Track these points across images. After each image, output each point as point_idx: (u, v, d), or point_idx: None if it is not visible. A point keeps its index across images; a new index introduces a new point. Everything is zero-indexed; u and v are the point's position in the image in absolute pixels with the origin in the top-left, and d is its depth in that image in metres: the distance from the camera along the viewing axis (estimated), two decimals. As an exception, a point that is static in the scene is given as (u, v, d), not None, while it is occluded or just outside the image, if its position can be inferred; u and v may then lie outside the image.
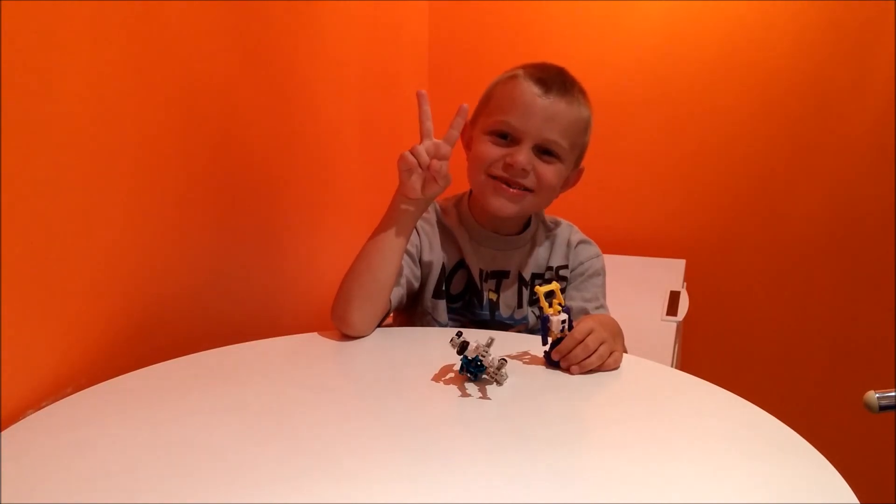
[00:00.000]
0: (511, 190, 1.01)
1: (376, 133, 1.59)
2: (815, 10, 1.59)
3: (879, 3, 1.55)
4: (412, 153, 0.93)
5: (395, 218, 0.97)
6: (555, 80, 1.01)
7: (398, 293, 1.00)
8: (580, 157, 1.07)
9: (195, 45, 1.01)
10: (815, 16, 1.59)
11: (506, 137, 1.01)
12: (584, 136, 1.05)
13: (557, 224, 1.14)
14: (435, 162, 0.93)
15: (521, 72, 1.03)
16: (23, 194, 0.75)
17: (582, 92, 1.04)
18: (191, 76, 1.00)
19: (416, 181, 0.94)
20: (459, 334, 0.83)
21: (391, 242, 0.96)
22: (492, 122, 1.01)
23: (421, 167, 0.93)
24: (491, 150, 1.01)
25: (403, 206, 0.97)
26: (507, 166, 1.00)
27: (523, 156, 0.99)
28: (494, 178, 1.02)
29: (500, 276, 1.08)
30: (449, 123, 0.95)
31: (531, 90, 1.00)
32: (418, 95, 0.94)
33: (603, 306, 1.09)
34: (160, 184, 0.96)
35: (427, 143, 0.94)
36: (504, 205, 1.03)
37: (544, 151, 1.01)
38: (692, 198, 1.75)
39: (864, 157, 1.62)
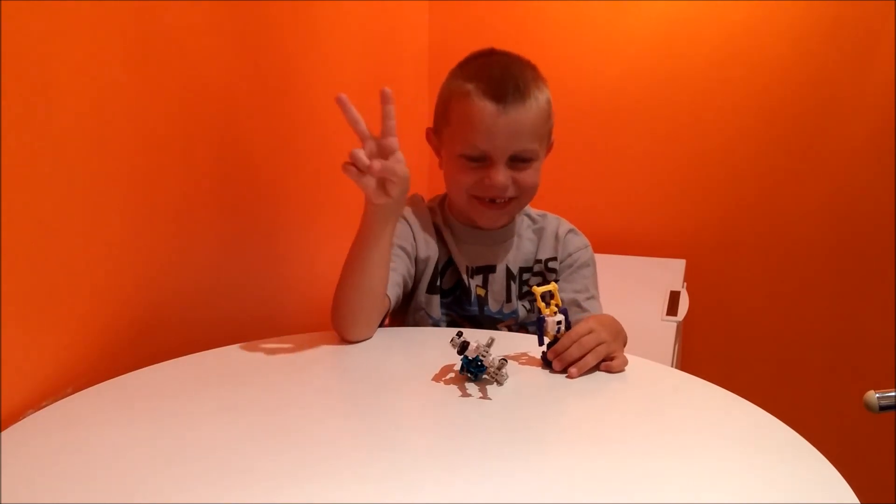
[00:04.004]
0: (495, 209, 1.03)
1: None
2: (815, 10, 1.59)
3: (879, 4, 1.55)
4: (351, 159, 0.86)
5: (371, 226, 0.93)
6: (508, 88, 0.98)
7: (395, 292, 1.00)
8: (550, 137, 1.07)
9: (195, 47, 1.01)
10: (815, 16, 1.59)
11: (477, 159, 1.01)
12: (549, 121, 1.05)
13: (544, 216, 1.14)
14: (376, 163, 0.85)
15: (472, 87, 0.99)
16: (23, 194, 0.75)
17: (534, 79, 1.01)
18: (190, 79, 1.00)
19: (372, 186, 0.88)
20: (460, 334, 0.83)
21: (374, 252, 0.93)
22: (459, 147, 1.01)
23: (362, 171, 0.86)
24: (467, 176, 1.02)
25: (375, 214, 0.92)
26: (487, 188, 1.01)
27: (501, 176, 1.00)
28: (477, 197, 1.03)
29: (486, 272, 1.09)
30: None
31: (488, 109, 0.98)
32: (338, 101, 0.87)
33: (594, 297, 1.09)
34: (160, 185, 0.96)
35: (368, 144, 0.88)
36: (493, 220, 1.06)
37: (519, 159, 1.01)
38: (692, 198, 1.75)
39: (864, 157, 1.62)
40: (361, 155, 0.85)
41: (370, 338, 0.97)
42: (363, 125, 0.88)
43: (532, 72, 1.03)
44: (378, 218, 0.92)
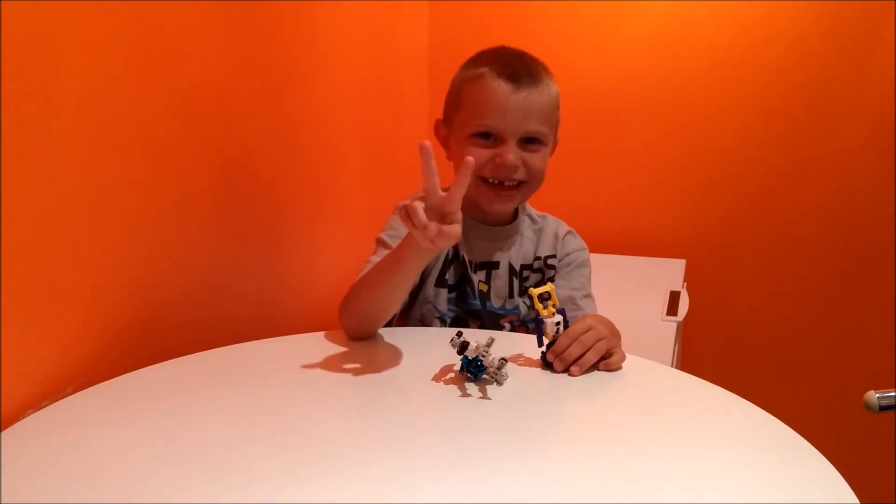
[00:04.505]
0: (504, 192, 1.04)
1: (376, 135, 1.59)
2: (815, 10, 1.59)
3: (879, 4, 1.55)
4: (410, 213, 0.80)
5: (407, 258, 0.90)
6: (522, 71, 1.01)
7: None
8: (557, 131, 1.08)
9: (194, 48, 1.01)
10: (815, 16, 1.59)
11: (488, 137, 1.02)
12: (557, 112, 1.07)
13: (544, 218, 1.16)
14: (433, 227, 0.79)
15: (486, 69, 1.02)
16: (23, 194, 0.75)
17: (545, 70, 1.05)
18: (190, 79, 1.00)
19: (422, 236, 0.82)
20: (459, 334, 0.83)
21: (402, 277, 0.93)
22: (471, 127, 1.02)
23: (417, 227, 0.80)
24: (478, 155, 1.00)
25: (415, 250, 0.88)
26: (498, 167, 1.01)
27: (511, 154, 1.00)
28: (486, 180, 1.03)
29: (489, 267, 1.10)
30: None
31: (502, 88, 1.00)
32: (422, 149, 0.81)
33: (589, 295, 1.11)
34: (160, 185, 0.96)
35: (432, 200, 0.82)
36: (502, 206, 1.06)
37: (529, 140, 1.02)
38: (692, 198, 1.75)
39: (864, 157, 1.62)
40: (421, 215, 0.80)
41: (371, 338, 0.98)
42: (436, 179, 0.83)
43: (543, 65, 1.05)
44: (417, 255, 0.90)
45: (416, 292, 1.08)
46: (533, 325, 1.11)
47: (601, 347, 0.87)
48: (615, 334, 0.93)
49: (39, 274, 0.79)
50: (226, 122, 1.09)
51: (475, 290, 1.09)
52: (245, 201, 1.15)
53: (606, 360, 0.88)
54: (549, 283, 0.89)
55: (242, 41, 1.11)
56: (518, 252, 1.12)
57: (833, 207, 1.66)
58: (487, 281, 1.10)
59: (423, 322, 1.08)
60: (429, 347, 0.96)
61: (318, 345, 0.95)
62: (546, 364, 0.88)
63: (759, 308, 1.76)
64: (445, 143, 1.09)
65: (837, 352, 1.71)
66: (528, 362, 0.90)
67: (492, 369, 0.82)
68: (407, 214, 0.81)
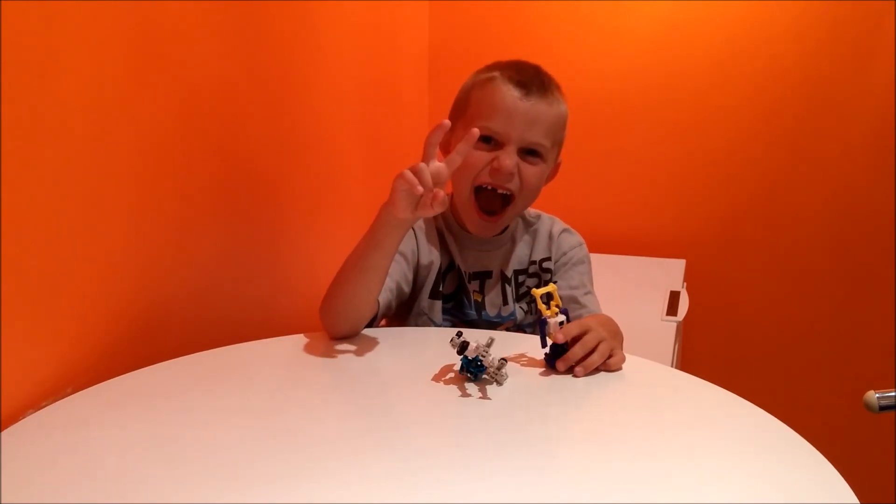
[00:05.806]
0: (489, 218, 1.04)
1: (376, 135, 1.59)
2: (815, 11, 1.59)
3: (879, 4, 1.55)
4: (414, 172, 0.85)
5: (383, 234, 0.92)
6: (533, 80, 1.01)
7: (386, 298, 0.99)
8: (559, 153, 1.08)
9: (195, 48, 1.01)
10: (815, 16, 1.59)
11: (489, 141, 1.01)
12: (563, 132, 1.06)
13: (538, 218, 1.15)
14: (441, 192, 0.85)
15: (497, 74, 1.02)
16: (23, 194, 0.75)
17: (558, 88, 1.05)
18: (191, 80, 1.00)
19: (410, 202, 0.87)
20: (459, 334, 0.83)
21: (379, 258, 0.93)
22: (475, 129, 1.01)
23: (423, 187, 0.84)
24: (477, 158, 1.00)
25: (390, 224, 0.90)
26: (494, 171, 1.00)
27: (510, 160, 1.00)
28: (480, 189, 1.02)
29: (482, 277, 1.10)
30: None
31: (511, 93, 0.99)
32: (442, 123, 0.88)
33: (591, 293, 1.10)
34: (160, 185, 0.96)
35: (432, 164, 0.87)
36: (485, 230, 1.06)
37: (528, 152, 1.02)
38: (692, 198, 1.75)
39: (864, 157, 1.62)
40: (428, 177, 0.85)
41: (353, 336, 0.97)
42: (436, 150, 0.88)
43: (557, 83, 1.05)
44: (392, 228, 0.91)
45: (411, 304, 1.08)
46: (531, 328, 1.11)
47: (604, 350, 0.86)
48: (615, 335, 0.93)
49: (39, 274, 0.79)
50: (226, 122, 1.09)
51: (471, 300, 1.08)
52: (245, 201, 1.15)
53: (606, 361, 0.88)
54: (552, 284, 0.88)
55: (242, 41, 1.11)
56: (511, 258, 1.11)
57: (833, 207, 1.66)
58: (481, 290, 1.09)
59: None
60: (429, 347, 0.96)
61: (317, 345, 0.95)
62: (549, 364, 0.88)
63: (760, 308, 1.76)
64: (446, 146, 1.08)
65: (837, 352, 1.71)
66: (529, 362, 0.90)
67: (492, 369, 0.82)
68: (405, 180, 0.84)
